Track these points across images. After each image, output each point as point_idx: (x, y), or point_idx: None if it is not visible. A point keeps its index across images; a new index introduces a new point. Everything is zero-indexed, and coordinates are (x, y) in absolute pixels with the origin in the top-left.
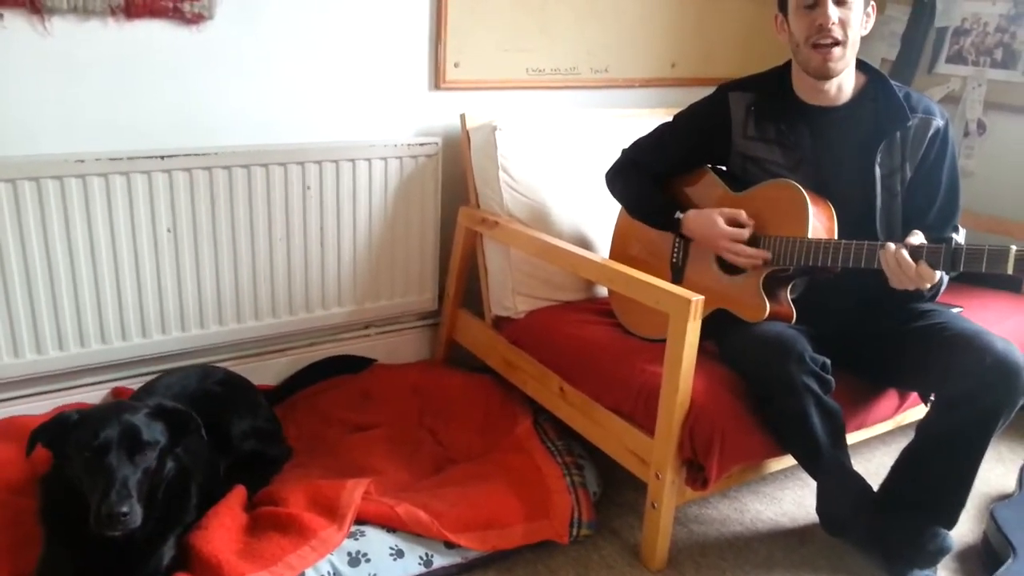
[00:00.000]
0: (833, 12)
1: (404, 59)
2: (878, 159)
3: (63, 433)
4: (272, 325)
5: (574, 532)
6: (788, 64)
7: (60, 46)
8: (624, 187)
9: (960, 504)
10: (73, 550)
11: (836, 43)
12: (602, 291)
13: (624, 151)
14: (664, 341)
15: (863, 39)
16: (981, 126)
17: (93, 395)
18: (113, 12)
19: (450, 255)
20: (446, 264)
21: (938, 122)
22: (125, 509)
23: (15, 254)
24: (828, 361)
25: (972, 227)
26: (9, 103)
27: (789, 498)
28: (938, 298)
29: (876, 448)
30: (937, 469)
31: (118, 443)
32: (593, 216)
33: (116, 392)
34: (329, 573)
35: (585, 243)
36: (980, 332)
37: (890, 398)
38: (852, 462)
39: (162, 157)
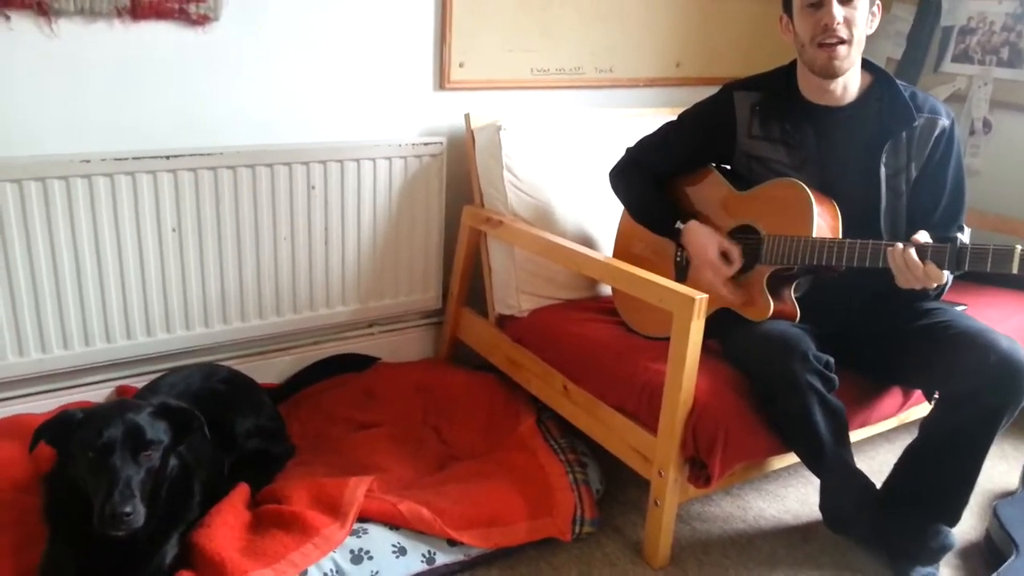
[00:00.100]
0: (838, 11)
1: (409, 60)
2: (883, 159)
3: (67, 431)
4: (276, 324)
5: (577, 530)
6: (793, 63)
7: (66, 48)
8: (627, 189)
9: (963, 501)
10: (76, 548)
11: (842, 42)
12: (606, 290)
13: (628, 150)
14: (668, 339)
15: (869, 38)
16: (987, 125)
17: (97, 393)
18: (119, 14)
19: (454, 254)
20: (450, 263)
21: (944, 122)
22: (128, 509)
23: (21, 254)
24: (832, 359)
25: (978, 226)
26: (15, 104)
27: (792, 495)
28: (942, 296)
29: (880, 446)
30: (940, 467)
31: (122, 443)
32: (597, 215)
33: (120, 390)
34: (332, 571)
35: (589, 242)
36: (984, 330)
37: (894, 396)
38: (856, 459)
39: (167, 157)
